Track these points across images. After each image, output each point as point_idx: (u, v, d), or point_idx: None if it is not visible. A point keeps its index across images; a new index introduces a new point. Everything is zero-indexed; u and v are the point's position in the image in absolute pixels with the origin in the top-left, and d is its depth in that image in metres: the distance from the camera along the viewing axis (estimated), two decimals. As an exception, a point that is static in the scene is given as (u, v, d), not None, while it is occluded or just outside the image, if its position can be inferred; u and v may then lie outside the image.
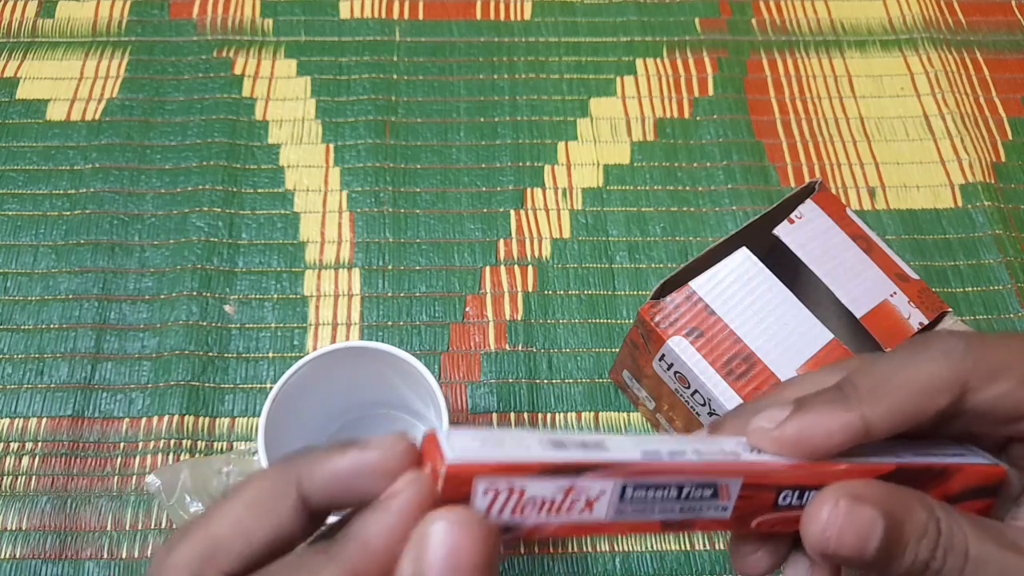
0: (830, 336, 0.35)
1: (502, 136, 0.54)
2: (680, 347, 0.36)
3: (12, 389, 0.45)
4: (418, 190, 0.52)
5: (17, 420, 0.45)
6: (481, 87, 0.56)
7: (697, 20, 0.59)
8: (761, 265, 0.36)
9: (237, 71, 0.56)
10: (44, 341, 0.47)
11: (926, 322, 0.36)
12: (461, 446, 0.18)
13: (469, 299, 0.49)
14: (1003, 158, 0.54)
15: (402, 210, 0.51)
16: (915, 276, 0.37)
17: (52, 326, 0.47)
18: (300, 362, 0.37)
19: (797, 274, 0.37)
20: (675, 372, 0.37)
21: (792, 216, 0.38)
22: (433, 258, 0.50)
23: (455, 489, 0.18)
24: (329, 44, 0.57)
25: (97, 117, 0.54)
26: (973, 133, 0.54)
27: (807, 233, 0.37)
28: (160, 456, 0.44)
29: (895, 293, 0.36)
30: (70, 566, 0.41)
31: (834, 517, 0.20)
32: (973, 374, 0.21)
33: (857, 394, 0.21)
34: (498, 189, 0.52)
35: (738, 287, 0.36)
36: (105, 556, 0.41)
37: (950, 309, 0.37)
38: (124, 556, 0.41)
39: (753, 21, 0.59)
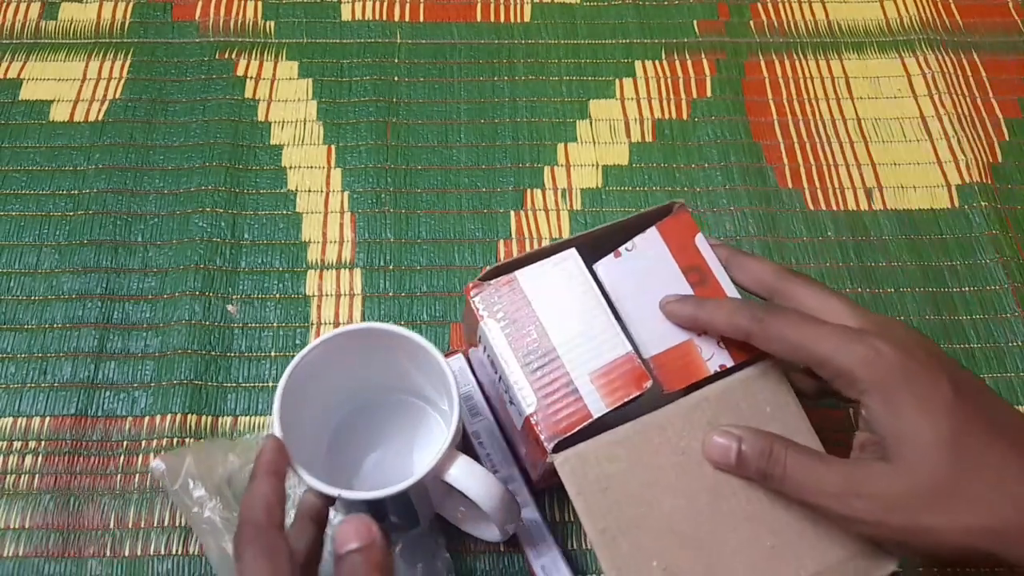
0: (627, 349, 0.36)
1: (502, 137, 0.54)
2: (492, 331, 0.36)
3: (16, 388, 0.46)
4: (419, 191, 0.52)
5: (20, 419, 0.45)
6: (481, 89, 0.56)
7: (695, 22, 0.59)
8: (583, 269, 0.37)
9: (239, 73, 0.56)
10: (47, 340, 0.47)
11: (729, 364, 0.36)
12: None
13: (469, 299, 0.49)
14: (1000, 159, 0.54)
15: (403, 210, 0.52)
16: None
17: (55, 325, 0.47)
18: (317, 340, 0.37)
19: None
20: (487, 354, 0.38)
21: (621, 249, 0.38)
22: (434, 258, 0.50)
23: None
24: (331, 46, 0.58)
25: (100, 118, 0.54)
26: (970, 134, 0.55)
27: (630, 267, 0.38)
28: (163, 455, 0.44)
29: (704, 332, 0.36)
30: (73, 564, 0.41)
31: (711, 443, 0.34)
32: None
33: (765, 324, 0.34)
34: (498, 190, 0.52)
35: (558, 285, 0.37)
36: (108, 554, 0.42)
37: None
38: (127, 554, 0.42)
39: (751, 23, 0.60)
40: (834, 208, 0.52)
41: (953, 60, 0.58)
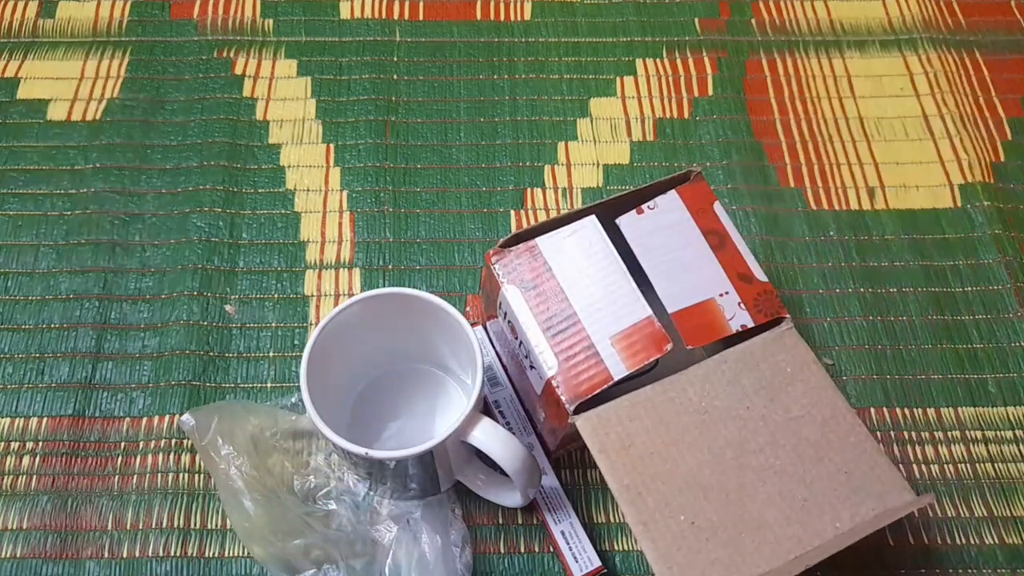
0: (647, 313, 0.36)
1: (502, 136, 0.54)
2: (513, 297, 0.37)
3: (13, 389, 0.46)
4: (418, 190, 0.52)
5: (18, 420, 0.45)
6: (481, 87, 0.56)
7: (697, 20, 0.59)
8: (604, 235, 0.38)
9: (238, 71, 0.56)
10: (45, 341, 0.47)
11: (751, 325, 0.36)
12: None
13: (469, 299, 0.49)
14: (1002, 158, 0.54)
15: (402, 210, 0.51)
16: (762, 279, 0.38)
17: (53, 326, 0.47)
18: (343, 304, 0.37)
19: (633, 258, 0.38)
20: (508, 321, 0.38)
21: (643, 206, 0.38)
22: (433, 257, 0.50)
23: None
24: (329, 44, 0.58)
25: (98, 117, 0.54)
26: (972, 133, 0.55)
27: (652, 224, 0.38)
28: (161, 455, 0.44)
29: (726, 293, 0.37)
30: (70, 565, 0.41)
31: None
32: None
33: None
34: (498, 189, 0.52)
35: (578, 251, 0.37)
36: (106, 555, 0.41)
37: (787, 315, 0.37)
38: (125, 555, 0.41)
39: (752, 21, 0.59)
40: (836, 207, 0.52)
41: (955, 59, 0.58)
